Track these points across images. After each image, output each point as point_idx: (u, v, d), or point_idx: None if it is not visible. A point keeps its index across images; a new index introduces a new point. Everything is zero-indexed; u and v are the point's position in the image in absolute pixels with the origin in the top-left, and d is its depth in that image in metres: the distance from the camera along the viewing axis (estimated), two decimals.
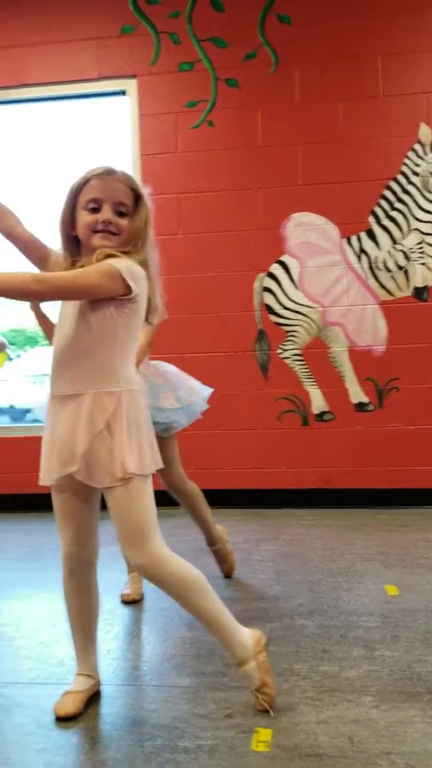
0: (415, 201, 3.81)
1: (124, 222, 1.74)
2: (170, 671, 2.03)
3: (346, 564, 2.97)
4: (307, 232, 3.89)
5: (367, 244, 3.84)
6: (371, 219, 3.84)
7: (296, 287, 3.93)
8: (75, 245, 1.78)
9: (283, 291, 3.94)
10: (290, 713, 1.76)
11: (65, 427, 1.70)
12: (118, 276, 1.64)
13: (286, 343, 3.97)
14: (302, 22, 3.86)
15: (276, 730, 1.68)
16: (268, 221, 3.91)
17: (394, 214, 3.82)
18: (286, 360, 3.97)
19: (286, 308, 3.95)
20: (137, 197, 1.77)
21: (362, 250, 3.85)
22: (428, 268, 3.83)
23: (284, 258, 3.93)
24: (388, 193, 3.82)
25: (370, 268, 3.84)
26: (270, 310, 3.96)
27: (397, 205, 3.81)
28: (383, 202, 3.82)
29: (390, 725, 1.71)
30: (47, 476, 1.76)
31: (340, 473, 3.92)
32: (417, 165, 3.81)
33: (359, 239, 3.85)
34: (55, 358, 1.76)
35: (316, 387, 3.92)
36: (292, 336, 3.96)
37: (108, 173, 1.74)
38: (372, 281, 3.84)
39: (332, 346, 3.92)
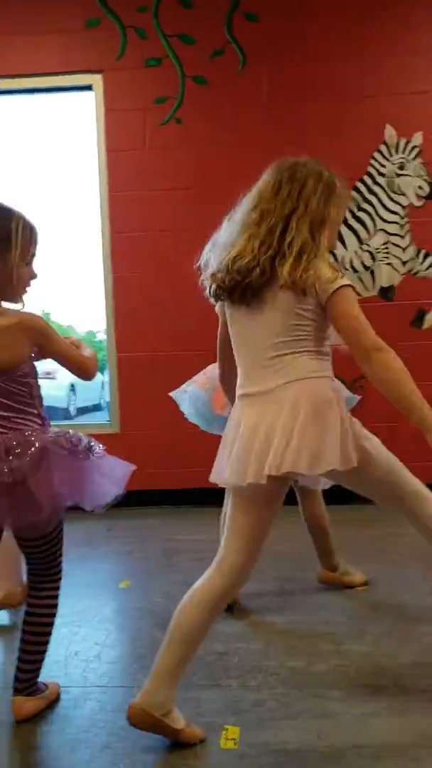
0: (381, 202, 3.85)
1: None
2: (140, 672, 2.02)
3: (315, 560, 2.99)
4: None
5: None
6: None
7: None
8: None
9: None
10: (258, 710, 1.77)
11: None
12: None
13: None
14: (270, 20, 3.87)
15: (245, 727, 1.69)
16: None
17: (360, 214, 3.86)
18: None
19: None
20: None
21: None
22: (393, 268, 3.87)
23: None
24: (354, 194, 3.86)
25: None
26: None
27: (364, 205, 3.85)
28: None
29: (357, 719, 1.73)
30: None
31: None
32: (383, 166, 3.85)
33: None
34: None
35: None
36: None
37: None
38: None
39: None
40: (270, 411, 1.62)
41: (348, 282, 1.63)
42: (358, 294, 3.78)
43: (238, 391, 1.72)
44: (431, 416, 1.59)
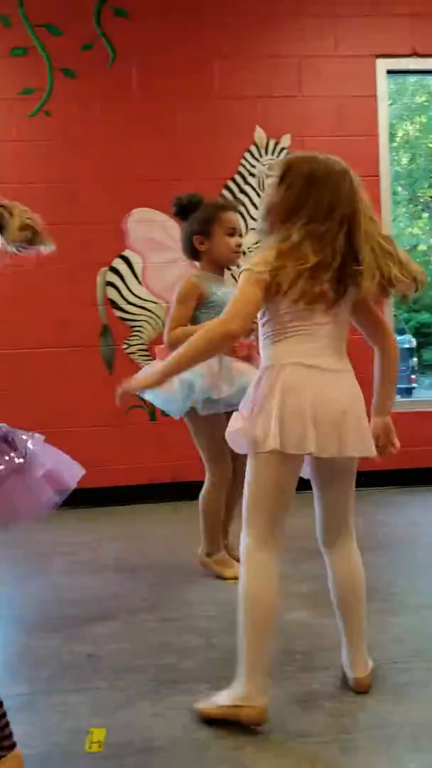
0: (252, 201, 3.93)
1: None
2: (3, 679, 1.97)
3: (190, 556, 3.02)
4: (149, 227, 3.90)
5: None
6: None
7: (140, 282, 3.94)
8: None
9: (127, 286, 3.93)
10: (126, 710, 1.77)
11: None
12: None
13: (131, 338, 3.96)
14: (140, 18, 3.86)
15: (111, 728, 1.68)
16: (110, 215, 3.89)
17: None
18: (132, 355, 3.97)
19: (130, 303, 3.95)
20: None
21: None
22: None
23: (126, 253, 3.93)
24: (226, 193, 3.92)
25: None
26: (114, 304, 3.94)
27: None
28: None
29: None
30: None
31: (190, 466, 3.96)
32: (253, 166, 3.94)
33: None
34: None
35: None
36: (138, 331, 3.97)
37: None
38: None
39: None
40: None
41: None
42: None
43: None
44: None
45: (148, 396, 2.62)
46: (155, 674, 1.96)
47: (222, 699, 1.70)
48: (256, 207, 3.94)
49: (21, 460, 1.38)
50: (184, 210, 2.70)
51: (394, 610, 2.34)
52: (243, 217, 3.91)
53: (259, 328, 1.78)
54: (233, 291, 2.63)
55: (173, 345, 2.56)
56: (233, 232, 2.64)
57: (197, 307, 2.67)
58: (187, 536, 3.29)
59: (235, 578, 2.64)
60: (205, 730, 1.67)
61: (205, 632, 2.23)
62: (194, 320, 2.68)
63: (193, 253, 2.73)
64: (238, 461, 2.75)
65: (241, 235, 2.70)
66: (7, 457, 1.37)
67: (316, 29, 3.97)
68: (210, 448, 2.71)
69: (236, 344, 2.56)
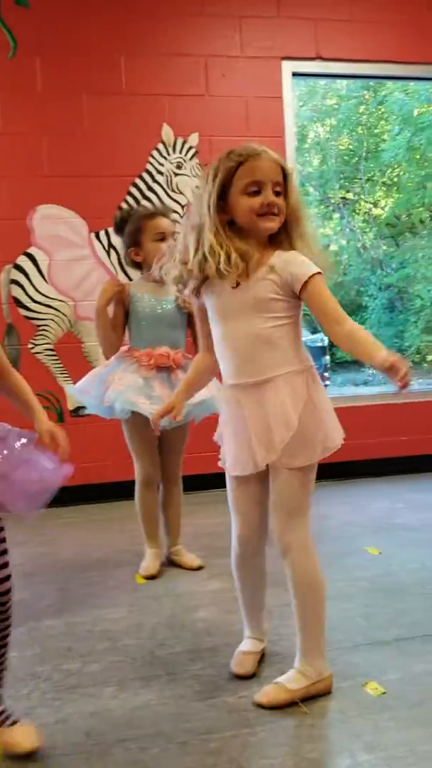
0: (160, 199, 3.92)
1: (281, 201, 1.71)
2: None
3: (100, 558, 2.99)
4: (55, 224, 3.83)
5: (116, 239, 3.86)
6: None
7: (45, 280, 3.86)
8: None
9: (32, 284, 3.84)
10: (27, 718, 1.72)
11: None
12: None
13: (37, 337, 3.88)
14: (43, 9, 3.77)
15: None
16: (14, 212, 3.79)
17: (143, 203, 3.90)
18: (38, 355, 3.89)
19: (35, 302, 3.86)
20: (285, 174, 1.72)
21: (111, 245, 3.88)
22: None
23: (31, 250, 3.83)
24: (134, 190, 3.89)
25: (120, 263, 3.88)
26: (19, 303, 3.85)
27: (143, 202, 3.89)
28: (130, 199, 3.88)
29: (127, 712, 1.76)
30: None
31: (100, 467, 3.92)
32: (161, 164, 3.92)
33: (108, 234, 3.87)
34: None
35: (71, 382, 3.88)
36: (44, 330, 3.88)
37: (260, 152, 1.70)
38: (122, 276, 3.89)
39: (85, 340, 3.91)
40: None
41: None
42: None
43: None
44: None
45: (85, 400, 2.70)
46: (59, 680, 1.93)
47: (293, 683, 1.76)
48: (164, 205, 3.93)
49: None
50: (118, 226, 2.74)
51: None
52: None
53: (286, 326, 1.74)
54: (173, 299, 2.65)
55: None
56: (162, 237, 2.62)
57: (127, 310, 2.72)
58: (95, 539, 3.26)
59: (200, 567, 2.75)
60: (109, 734, 1.66)
61: (113, 635, 2.21)
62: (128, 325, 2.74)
63: (134, 264, 2.74)
64: (165, 471, 2.77)
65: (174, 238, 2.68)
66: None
67: (220, 29, 3.99)
68: (132, 448, 2.77)
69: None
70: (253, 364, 1.74)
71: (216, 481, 4.05)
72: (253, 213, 1.68)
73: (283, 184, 1.71)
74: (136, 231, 2.65)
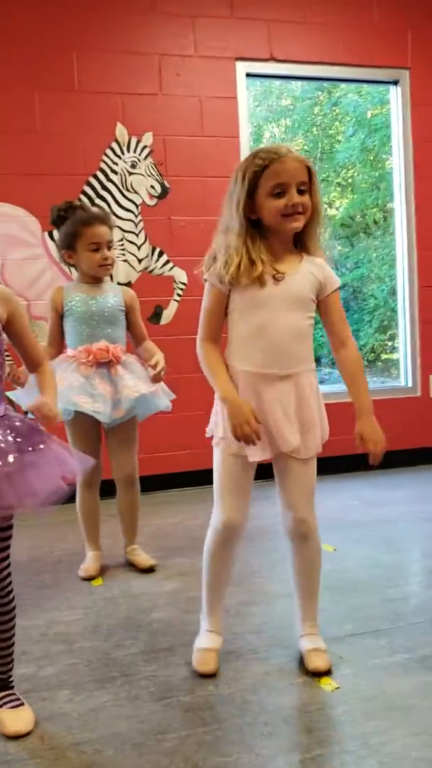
0: (114, 198, 3.90)
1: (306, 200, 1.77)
2: None
3: (54, 560, 2.97)
4: (7, 223, 3.77)
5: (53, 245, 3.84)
6: None
7: None
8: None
9: None
10: None
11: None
12: None
13: None
14: None
15: None
16: None
17: (94, 210, 3.86)
18: None
19: None
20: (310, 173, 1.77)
21: None
22: (130, 265, 3.95)
23: None
24: (88, 189, 3.86)
25: None
26: None
27: (98, 201, 3.86)
28: (84, 198, 3.85)
29: (82, 715, 1.75)
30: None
31: None
32: (115, 164, 3.90)
33: None
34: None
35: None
36: None
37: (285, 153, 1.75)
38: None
39: (39, 340, 3.85)
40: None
41: (206, 276, 1.87)
42: None
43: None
44: None
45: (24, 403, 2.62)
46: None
47: (322, 642, 1.95)
48: (119, 204, 3.91)
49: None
50: (55, 221, 2.69)
51: (254, 600, 2.40)
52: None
53: (312, 326, 1.88)
54: (109, 296, 2.63)
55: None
56: (98, 246, 2.60)
57: (62, 315, 2.69)
58: (48, 541, 3.22)
59: (152, 567, 2.75)
60: (63, 738, 1.65)
61: (68, 638, 2.19)
62: (65, 327, 2.71)
63: (67, 264, 2.74)
64: (118, 469, 2.75)
65: (110, 247, 2.64)
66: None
67: (174, 28, 3.98)
68: (71, 446, 2.70)
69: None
70: (285, 356, 1.82)
71: (174, 481, 4.07)
72: (278, 214, 1.76)
73: (308, 183, 1.77)
74: (72, 235, 2.61)
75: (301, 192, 1.76)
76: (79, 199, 3.84)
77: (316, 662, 1.88)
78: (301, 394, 1.83)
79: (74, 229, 2.60)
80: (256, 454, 1.82)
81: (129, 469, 2.78)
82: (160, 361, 2.66)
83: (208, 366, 1.85)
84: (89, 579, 2.68)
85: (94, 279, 2.69)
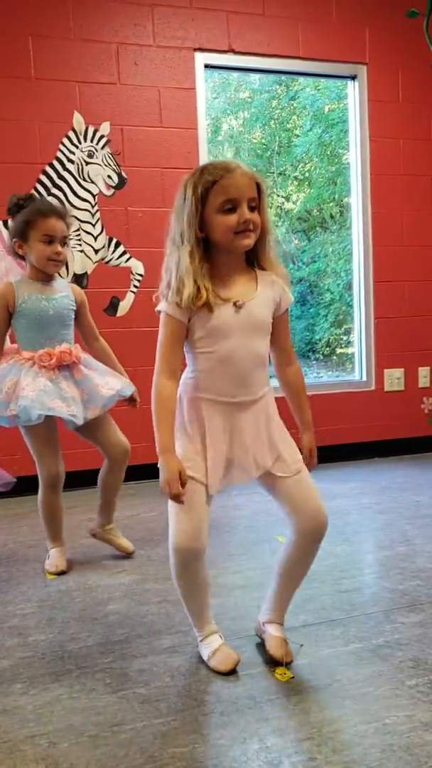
0: (71, 188, 3.85)
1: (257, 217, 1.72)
2: None
3: (8, 553, 2.93)
4: None
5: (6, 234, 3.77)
6: None
7: None
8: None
9: None
10: None
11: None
12: None
13: None
14: None
15: None
16: None
17: (50, 200, 3.81)
18: None
19: None
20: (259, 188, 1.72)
21: None
22: (86, 256, 3.91)
23: None
24: (43, 178, 3.80)
25: None
26: None
27: (54, 191, 3.81)
28: (39, 187, 3.79)
29: (37, 708, 1.74)
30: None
31: (7, 462, 3.84)
32: (72, 153, 3.85)
33: None
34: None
35: None
36: None
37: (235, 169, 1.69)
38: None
39: None
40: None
41: (160, 307, 1.77)
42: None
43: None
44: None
45: None
46: None
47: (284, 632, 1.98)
48: (75, 194, 3.86)
49: None
50: (11, 209, 2.60)
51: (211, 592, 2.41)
52: (62, 203, 3.83)
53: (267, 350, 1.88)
54: (61, 297, 2.59)
55: None
56: (51, 239, 2.54)
57: (12, 313, 2.60)
58: (3, 533, 3.19)
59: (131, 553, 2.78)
60: (17, 731, 1.64)
61: (23, 631, 2.18)
62: (15, 327, 2.63)
63: (16, 255, 2.64)
64: (112, 448, 2.71)
65: (64, 244, 2.58)
66: None
67: (132, 17, 3.94)
68: (34, 449, 2.66)
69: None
70: (251, 382, 1.79)
71: (130, 473, 4.05)
72: (230, 231, 1.69)
73: (257, 199, 1.73)
74: (25, 224, 2.53)
75: (251, 209, 1.70)
76: (35, 188, 3.78)
77: (279, 653, 1.89)
78: (269, 413, 1.84)
79: (29, 218, 2.53)
80: (215, 486, 1.79)
81: (125, 443, 2.73)
82: (136, 398, 2.76)
83: (158, 408, 1.76)
84: (61, 573, 2.65)
85: (43, 275, 2.63)
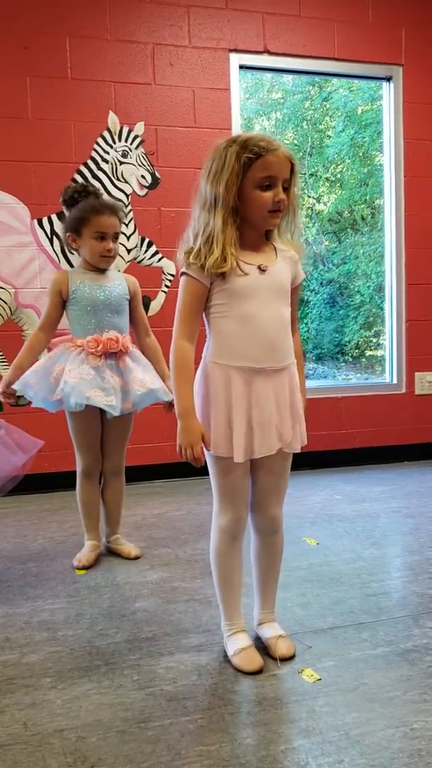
0: (105, 188, 3.87)
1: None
2: None
3: (38, 549, 2.96)
4: None
5: (59, 226, 3.80)
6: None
7: None
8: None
9: None
10: None
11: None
12: None
13: None
14: None
15: None
16: None
17: (108, 199, 3.84)
18: None
19: None
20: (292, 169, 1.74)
21: (54, 233, 3.82)
22: (119, 255, 3.93)
23: None
24: (78, 178, 3.83)
25: (62, 250, 3.83)
26: None
27: None
28: None
29: (66, 703, 1.75)
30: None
31: (38, 458, 3.87)
32: (106, 152, 3.88)
33: (51, 221, 3.81)
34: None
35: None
36: None
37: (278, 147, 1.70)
38: (64, 264, 3.84)
39: (26, 328, 3.85)
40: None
41: (185, 269, 1.77)
42: None
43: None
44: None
45: (30, 394, 2.61)
46: None
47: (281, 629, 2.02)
48: (109, 193, 3.89)
49: None
50: (67, 201, 2.65)
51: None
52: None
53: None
54: (114, 285, 2.62)
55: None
56: (103, 235, 2.57)
57: (66, 300, 2.65)
58: (33, 530, 3.22)
59: (137, 557, 2.77)
60: (47, 725, 1.66)
61: (52, 625, 2.20)
62: (69, 314, 2.67)
63: (70, 248, 2.69)
64: (107, 459, 2.75)
65: (115, 239, 2.61)
66: None
67: (168, 17, 3.96)
68: (76, 440, 2.72)
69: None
70: (279, 349, 1.80)
71: (159, 472, 4.08)
72: (264, 209, 1.72)
73: (289, 179, 1.75)
74: (79, 221, 2.58)
75: (284, 189, 1.72)
76: None
77: (282, 649, 1.92)
78: (292, 386, 1.84)
79: (83, 214, 2.57)
80: (241, 456, 1.78)
81: (119, 460, 2.80)
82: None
83: (178, 371, 1.77)
84: (83, 568, 2.68)
85: (95, 268, 2.67)
